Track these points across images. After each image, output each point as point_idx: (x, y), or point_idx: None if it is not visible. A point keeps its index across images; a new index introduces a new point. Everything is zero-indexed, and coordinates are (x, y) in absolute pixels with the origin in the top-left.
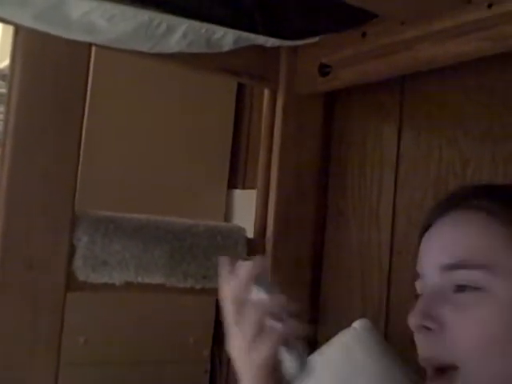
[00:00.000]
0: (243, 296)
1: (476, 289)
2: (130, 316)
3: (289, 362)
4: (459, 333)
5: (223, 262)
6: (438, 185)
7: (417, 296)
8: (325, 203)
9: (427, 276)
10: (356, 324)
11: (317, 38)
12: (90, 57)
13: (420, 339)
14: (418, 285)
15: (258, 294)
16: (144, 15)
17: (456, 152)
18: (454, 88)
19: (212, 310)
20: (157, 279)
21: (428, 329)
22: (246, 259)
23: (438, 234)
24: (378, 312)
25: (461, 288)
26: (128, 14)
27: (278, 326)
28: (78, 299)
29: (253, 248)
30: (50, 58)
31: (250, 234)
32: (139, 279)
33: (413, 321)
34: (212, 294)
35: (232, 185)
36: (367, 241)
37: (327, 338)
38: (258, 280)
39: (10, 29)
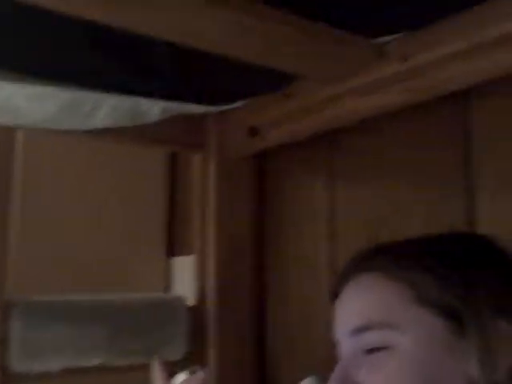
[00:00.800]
0: None
1: (383, 348)
2: None
3: None
4: None
5: (156, 367)
6: (372, 235)
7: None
8: (263, 264)
9: (341, 343)
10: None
11: (242, 102)
12: (13, 139)
13: None
14: (337, 352)
15: None
16: (68, 94)
17: (386, 202)
18: (381, 139)
19: None
20: (94, 361)
21: None
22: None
23: (344, 301)
24: (325, 367)
25: (370, 350)
26: (52, 95)
27: None
28: None
29: (194, 316)
30: None
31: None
32: (76, 363)
33: None
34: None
35: (171, 252)
36: (307, 295)
37: None
38: None
39: None
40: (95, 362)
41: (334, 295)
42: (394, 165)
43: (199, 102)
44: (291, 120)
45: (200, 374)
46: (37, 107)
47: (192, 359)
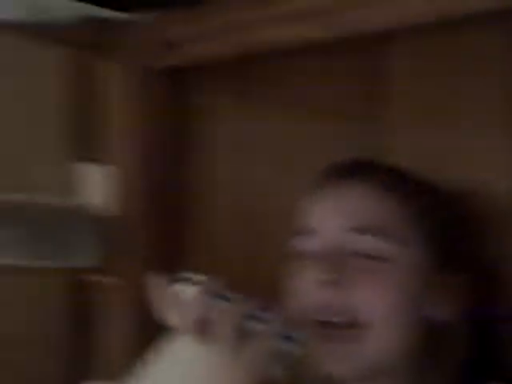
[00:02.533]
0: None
1: (382, 259)
2: None
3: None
4: (372, 294)
5: (151, 282)
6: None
7: (299, 253)
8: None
9: (324, 234)
10: None
11: (157, 13)
12: None
13: (320, 291)
14: (305, 240)
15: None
16: None
17: (299, 129)
18: (292, 71)
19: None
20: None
21: (331, 284)
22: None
23: (336, 196)
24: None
25: (367, 254)
26: None
27: (260, 326)
28: None
29: (103, 225)
30: None
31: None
32: None
33: (318, 274)
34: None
35: (78, 159)
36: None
37: None
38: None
39: None
40: (5, 261)
41: (316, 188)
42: (303, 98)
43: (113, 7)
44: (206, 39)
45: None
46: None
47: (105, 268)
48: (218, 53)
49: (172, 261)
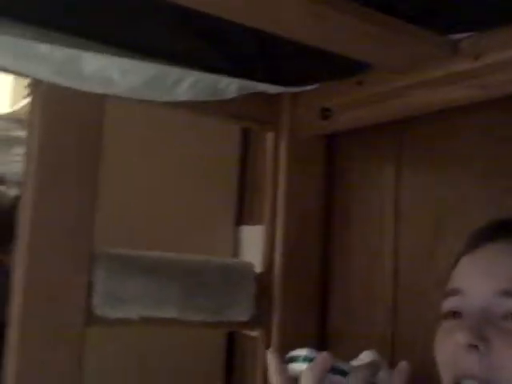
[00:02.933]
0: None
1: None
2: (146, 351)
3: None
4: (507, 357)
5: (270, 355)
6: (439, 224)
7: (448, 314)
8: (329, 239)
9: (472, 296)
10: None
11: (316, 85)
12: (104, 107)
13: (465, 356)
14: (454, 302)
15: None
16: (154, 68)
17: (454, 191)
18: (450, 130)
19: (223, 342)
20: (171, 313)
21: (475, 348)
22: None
23: (486, 259)
24: (383, 343)
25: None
26: (139, 68)
27: None
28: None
29: (260, 283)
30: (67, 109)
31: (259, 270)
32: (154, 313)
33: (462, 337)
34: (224, 327)
35: (239, 221)
36: (371, 277)
37: None
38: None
39: None
40: (170, 314)
41: (467, 250)
42: (462, 156)
43: (275, 82)
44: (361, 106)
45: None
46: (124, 79)
47: (257, 321)
48: (374, 119)
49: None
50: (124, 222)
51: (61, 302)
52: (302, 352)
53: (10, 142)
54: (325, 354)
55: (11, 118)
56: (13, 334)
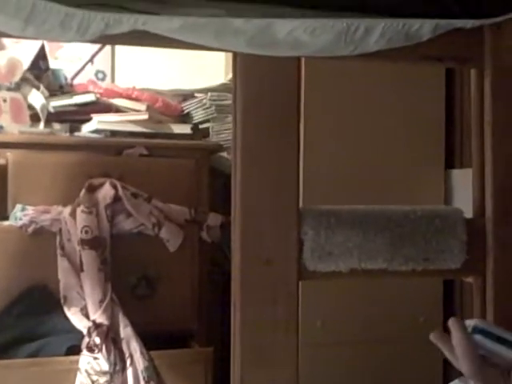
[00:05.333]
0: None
1: None
2: (361, 299)
3: None
4: None
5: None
6: None
7: None
8: None
9: None
10: None
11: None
12: (300, 68)
13: None
14: None
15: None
16: (342, 23)
17: None
18: None
19: (440, 289)
20: (379, 264)
21: None
22: None
23: None
24: None
25: None
26: (327, 25)
27: None
28: (314, 287)
29: (472, 228)
30: (265, 75)
31: (470, 213)
32: (363, 266)
33: None
34: (434, 275)
35: (449, 165)
36: None
37: None
38: None
39: None
40: (378, 265)
41: None
42: None
43: (471, 16)
44: None
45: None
46: (314, 38)
47: (469, 268)
48: None
49: None
50: (332, 176)
51: (275, 258)
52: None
53: (224, 111)
54: None
55: (225, 88)
56: (235, 289)
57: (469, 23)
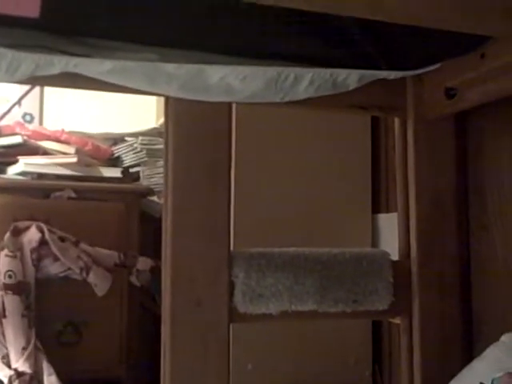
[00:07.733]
0: None
1: None
2: (292, 341)
3: None
4: None
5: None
6: None
7: None
8: (466, 219)
9: None
10: (504, 337)
11: (438, 65)
12: (230, 112)
13: None
14: None
15: None
16: (273, 71)
17: None
18: None
19: (368, 330)
20: (309, 306)
21: None
22: None
23: None
24: None
25: None
26: (258, 72)
27: None
28: (245, 330)
29: (398, 270)
30: (196, 119)
31: (396, 256)
32: (293, 308)
33: None
34: (363, 316)
35: (376, 210)
36: None
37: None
38: None
39: None
40: (309, 307)
41: None
42: None
43: (395, 68)
44: (488, 80)
45: None
46: (246, 85)
47: (396, 309)
48: (501, 92)
49: None
50: (260, 221)
51: (206, 301)
52: None
53: (155, 155)
54: None
55: (156, 133)
56: (165, 332)
57: (391, 74)
